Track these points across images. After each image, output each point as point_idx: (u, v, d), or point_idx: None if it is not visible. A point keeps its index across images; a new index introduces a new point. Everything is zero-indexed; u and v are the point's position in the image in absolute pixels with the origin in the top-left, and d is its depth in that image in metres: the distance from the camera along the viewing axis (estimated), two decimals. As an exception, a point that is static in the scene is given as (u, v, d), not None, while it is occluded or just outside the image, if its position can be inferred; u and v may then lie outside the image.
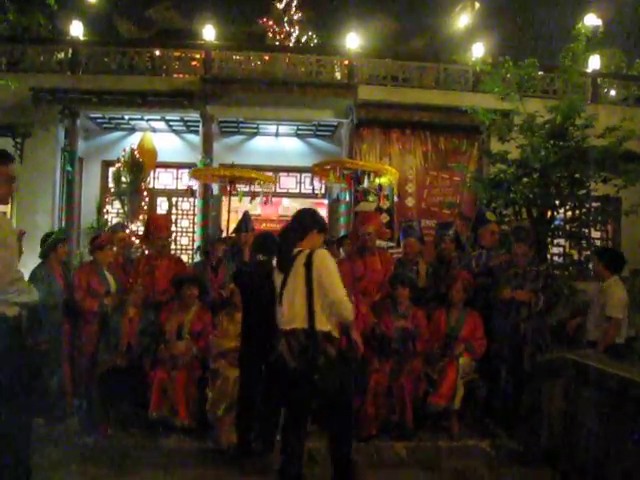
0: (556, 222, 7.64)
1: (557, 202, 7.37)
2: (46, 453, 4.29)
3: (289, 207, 13.80)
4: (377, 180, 7.76)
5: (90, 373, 5.06)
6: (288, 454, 3.48)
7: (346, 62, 11.65)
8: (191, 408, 4.88)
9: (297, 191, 13.19)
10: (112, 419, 4.89)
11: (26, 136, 10.19)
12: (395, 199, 8.08)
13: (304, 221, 3.60)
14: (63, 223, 10.26)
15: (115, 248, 5.81)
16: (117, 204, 10.65)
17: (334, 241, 7.17)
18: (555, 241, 7.84)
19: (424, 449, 4.74)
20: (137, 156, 10.06)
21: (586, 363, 3.71)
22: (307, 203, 13.62)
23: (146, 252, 6.69)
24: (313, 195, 11.94)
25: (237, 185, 8.60)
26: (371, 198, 8.08)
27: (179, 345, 5.08)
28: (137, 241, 8.25)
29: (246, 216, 6.29)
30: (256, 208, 13.27)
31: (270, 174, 12.46)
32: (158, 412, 4.81)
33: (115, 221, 10.40)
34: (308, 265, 3.33)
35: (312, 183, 12.48)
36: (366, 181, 7.59)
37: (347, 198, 9.78)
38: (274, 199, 13.31)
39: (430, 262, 6.02)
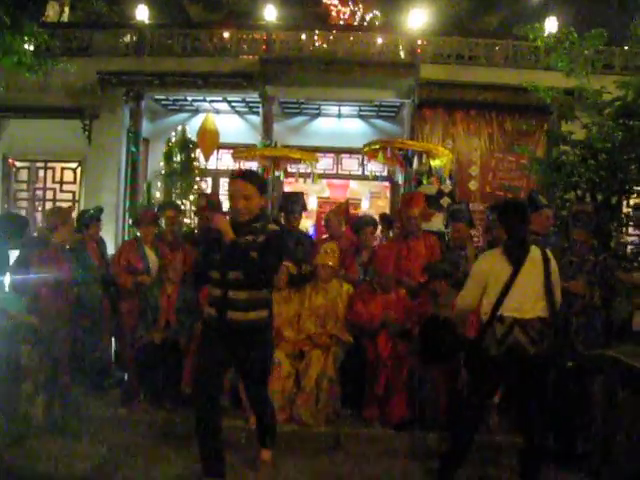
0: (634, 211, 7.07)
1: (626, 187, 6.79)
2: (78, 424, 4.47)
3: (356, 189, 13.65)
4: (430, 162, 7.47)
5: (130, 348, 5.21)
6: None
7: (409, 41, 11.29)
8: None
9: (359, 173, 12.99)
10: (147, 393, 5.01)
11: (93, 118, 10.61)
12: (447, 182, 7.75)
13: (525, 214, 3.80)
14: (127, 202, 10.63)
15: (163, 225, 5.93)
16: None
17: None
18: (626, 230, 7.29)
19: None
20: (188, 135, 10.21)
21: (626, 361, 3.41)
22: (371, 185, 13.44)
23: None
24: (377, 177, 11.62)
25: (288, 165, 8.56)
26: (425, 181, 7.80)
27: (215, 323, 5.10)
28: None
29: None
30: (324, 191, 13.30)
31: (328, 155, 12.46)
32: (190, 387, 4.89)
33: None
34: (546, 260, 3.63)
35: (362, 164, 12.28)
36: (416, 162, 7.33)
37: (400, 181, 9.52)
38: (341, 181, 13.30)
39: (482, 247, 5.77)
